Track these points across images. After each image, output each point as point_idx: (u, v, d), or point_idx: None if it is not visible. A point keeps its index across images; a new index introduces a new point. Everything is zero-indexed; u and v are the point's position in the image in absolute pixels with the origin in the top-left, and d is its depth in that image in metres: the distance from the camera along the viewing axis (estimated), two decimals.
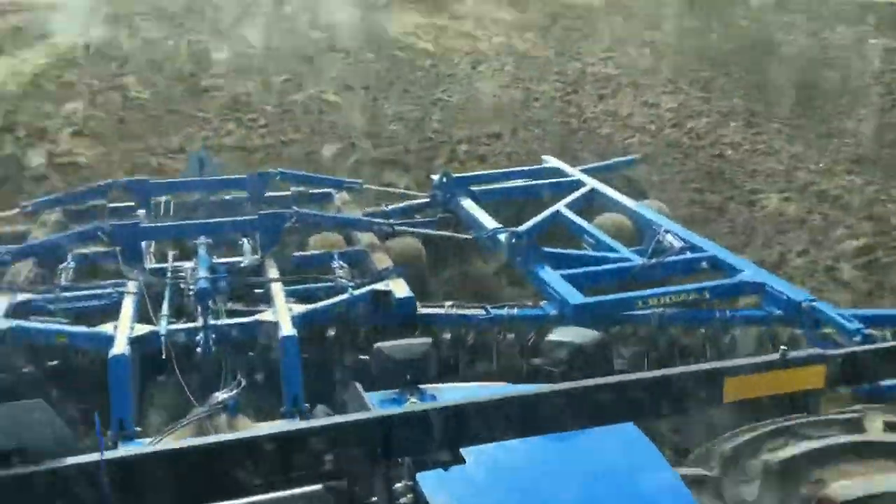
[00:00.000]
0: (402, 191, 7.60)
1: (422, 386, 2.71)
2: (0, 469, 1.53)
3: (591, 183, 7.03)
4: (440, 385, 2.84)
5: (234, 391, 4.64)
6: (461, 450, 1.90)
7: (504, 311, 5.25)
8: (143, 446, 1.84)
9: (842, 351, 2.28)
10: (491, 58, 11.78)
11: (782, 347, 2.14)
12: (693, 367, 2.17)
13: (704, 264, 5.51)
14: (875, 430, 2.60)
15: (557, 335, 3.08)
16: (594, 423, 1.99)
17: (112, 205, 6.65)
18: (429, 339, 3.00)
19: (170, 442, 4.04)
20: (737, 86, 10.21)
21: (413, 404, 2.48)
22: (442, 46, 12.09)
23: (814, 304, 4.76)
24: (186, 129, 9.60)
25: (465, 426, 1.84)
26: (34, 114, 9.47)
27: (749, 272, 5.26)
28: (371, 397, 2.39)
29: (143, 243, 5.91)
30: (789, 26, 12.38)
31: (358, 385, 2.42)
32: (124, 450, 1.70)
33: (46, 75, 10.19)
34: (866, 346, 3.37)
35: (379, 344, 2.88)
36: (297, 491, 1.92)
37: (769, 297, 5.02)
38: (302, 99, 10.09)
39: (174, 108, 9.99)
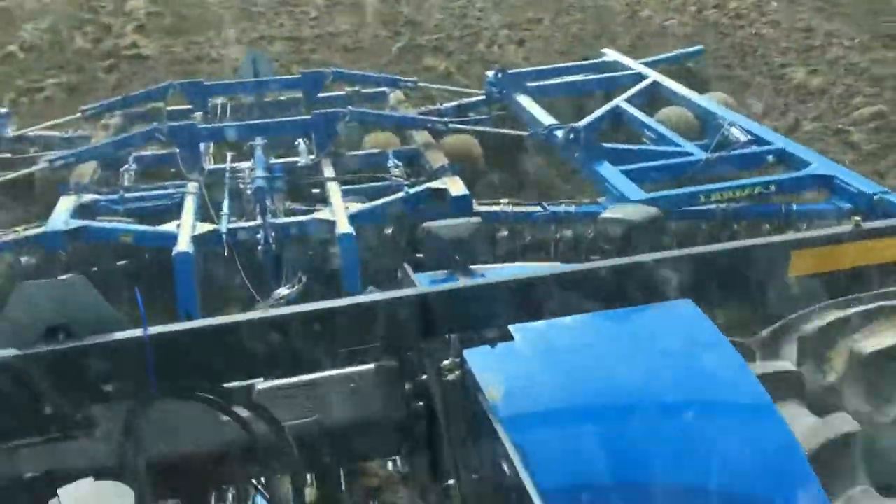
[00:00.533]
0: (456, 88, 7.45)
1: (473, 266, 2.66)
2: (46, 344, 1.55)
3: (653, 75, 6.77)
4: (490, 266, 2.79)
5: (296, 286, 4.75)
6: (510, 327, 1.87)
7: (561, 208, 5.18)
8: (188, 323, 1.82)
9: None
10: None
11: (855, 218, 1.98)
12: (752, 241, 2.05)
13: (771, 157, 5.30)
14: None
15: (611, 212, 2.96)
16: (648, 300, 1.91)
17: (170, 107, 6.69)
18: (478, 218, 2.90)
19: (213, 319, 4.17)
20: None
21: (459, 282, 2.42)
22: None
23: (886, 195, 4.56)
24: (242, 22, 9.81)
25: (512, 303, 1.80)
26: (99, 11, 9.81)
27: (818, 164, 5.05)
28: (421, 278, 2.35)
29: (202, 145, 5.96)
30: None
31: (408, 266, 2.38)
32: (168, 326, 1.69)
33: None
34: None
35: (426, 224, 2.81)
36: (347, 370, 1.93)
37: (839, 190, 4.82)
38: None
39: (229, 4, 10.22)
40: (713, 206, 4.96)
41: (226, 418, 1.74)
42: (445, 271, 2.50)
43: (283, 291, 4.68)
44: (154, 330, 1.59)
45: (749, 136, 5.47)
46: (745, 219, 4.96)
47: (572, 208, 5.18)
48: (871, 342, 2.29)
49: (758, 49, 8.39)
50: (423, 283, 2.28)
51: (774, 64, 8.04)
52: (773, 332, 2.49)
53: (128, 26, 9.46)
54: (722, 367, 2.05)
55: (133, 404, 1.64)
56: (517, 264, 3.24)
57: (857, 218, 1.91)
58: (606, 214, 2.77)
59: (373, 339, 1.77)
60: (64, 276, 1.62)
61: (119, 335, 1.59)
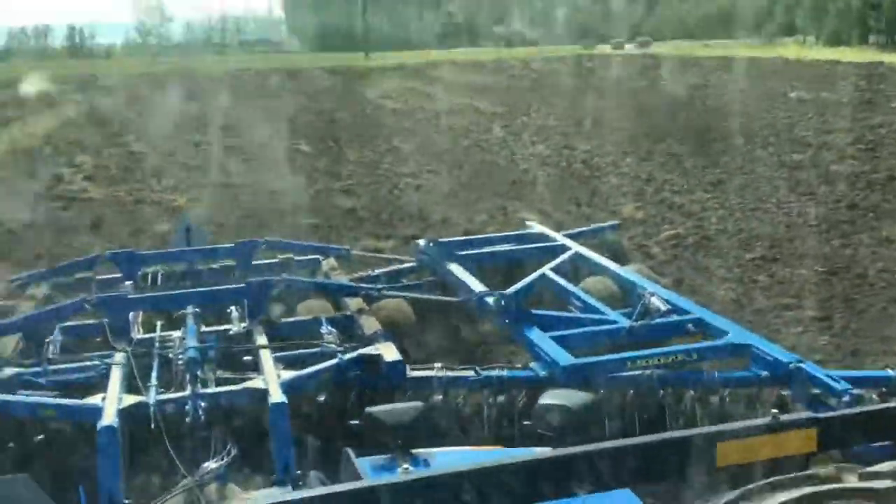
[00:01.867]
0: (389, 256, 7.66)
1: (414, 451, 2.70)
2: None
3: (575, 247, 7.14)
4: (432, 450, 2.83)
5: (224, 460, 4.60)
6: None
7: (494, 373, 5.27)
8: None
9: (833, 414, 2.30)
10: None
11: (773, 411, 2.16)
12: (685, 432, 2.19)
13: (690, 326, 5.58)
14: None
15: (549, 398, 3.08)
16: (590, 489, 2.00)
17: (99, 277, 6.65)
18: (419, 403, 3.00)
19: None
20: (649, 132, 12.28)
21: (405, 471, 2.46)
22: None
23: (801, 365, 4.83)
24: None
25: (460, 493, 1.85)
26: None
27: (734, 333, 5.33)
28: (363, 463, 2.38)
29: (131, 314, 5.89)
30: (723, 83, 14.33)
31: (350, 451, 2.42)
32: None
33: None
34: (857, 409, 3.41)
35: (369, 409, 2.87)
36: None
37: (756, 358, 5.08)
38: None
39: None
40: (639, 371, 5.13)
41: None
42: (388, 456, 2.54)
43: (212, 465, 4.53)
44: None
45: (668, 306, 5.76)
46: (671, 385, 5.13)
47: (505, 373, 5.28)
48: None
49: (604, 192, 10.37)
50: (366, 468, 2.31)
51: (611, 202, 10.01)
52: None
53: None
54: None
55: None
56: (456, 448, 3.28)
57: (775, 411, 2.08)
58: (545, 401, 2.88)
59: None
60: (7, 476, 1.61)
61: None
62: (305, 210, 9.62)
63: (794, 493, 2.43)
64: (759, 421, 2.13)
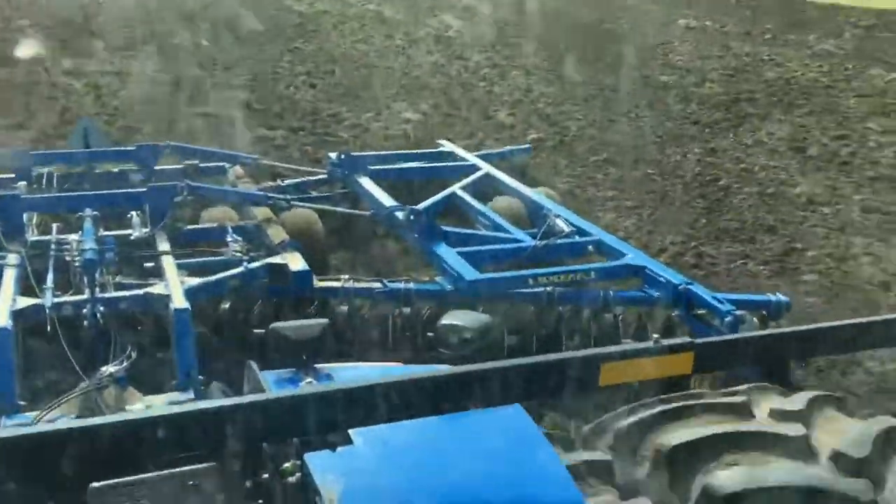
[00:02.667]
0: (297, 167, 7.55)
1: (318, 366, 2.75)
2: None
3: (485, 167, 7.21)
4: (335, 365, 2.89)
5: (124, 364, 4.55)
6: (350, 430, 1.97)
7: (401, 285, 5.35)
8: (26, 425, 1.81)
9: (708, 340, 2.48)
10: None
11: (655, 336, 2.31)
12: (570, 354, 2.33)
13: (591, 247, 5.78)
14: (763, 417, 2.67)
15: (450, 319, 3.18)
16: (480, 405, 2.11)
17: None
18: (325, 320, 3.04)
19: (56, 417, 3.94)
20: (543, 52, 12.60)
21: (308, 385, 2.52)
22: None
23: (690, 287, 5.09)
24: None
25: (355, 408, 1.91)
26: None
27: (631, 255, 5.57)
28: (266, 376, 2.42)
29: (25, 215, 5.65)
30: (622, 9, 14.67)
31: (254, 364, 2.46)
32: (4, 429, 1.68)
33: None
34: (732, 336, 3.65)
35: (274, 324, 2.90)
36: (186, 468, 1.95)
37: (649, 280, 5.33)
38: None
39: None
40: (540, 289, 5.32)
41: None
42: (291, 370, 2.59)
43: (111, 369, 4.48)
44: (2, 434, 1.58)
45: (571, 228, 5.94)
46: (569, 302, 5.34)
47: (411, 285, 5.37)
48: (675, 436, 2.61)
49: (484, 102, 10.79)
50: (269, 381, 2.36)
51: (489, 110, 10.50)
52: (591, 428, 2.76)
53: None
54: (541, 466, 2.26)
55: None
56: (359, 364, 3.35)
57: (656, 336, 2.23)
58: (445, 321, 2.97)
59: (217, 441, 1.83)
60: None
61: None
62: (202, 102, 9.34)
63: (658, 408, 2.66)
64: (641, 344, 2.28)
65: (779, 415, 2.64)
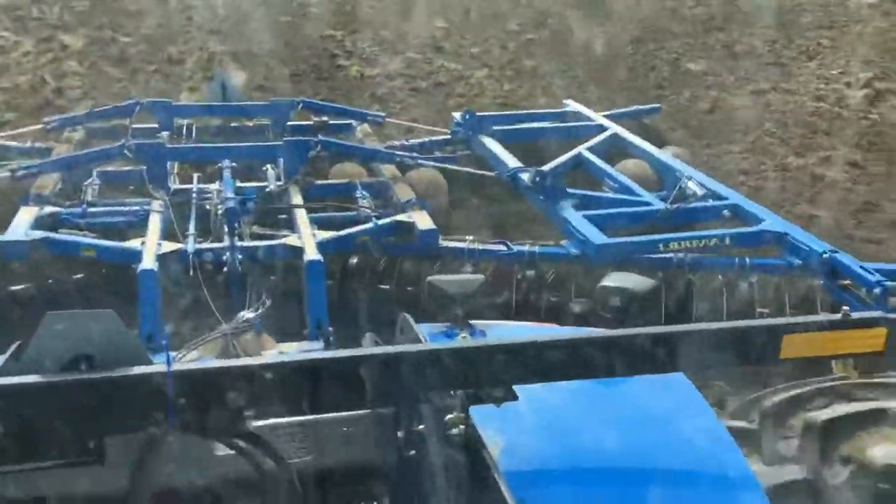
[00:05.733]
0: (423, 126, 7.57)
1: (472, 322, 2.76)
2: (68, 374, 1.57)
3: (613, 128, 7.02)
4: (489, 322, 2.89)
5: (260, 311, 4.73)
6: (515, 387, 1.95)
7: (526, 248, 5.30)
8: (203, 360, 1.88)
9: None
10: None
11: (844, 308, 2.13)
12: (750, 322, 2.18)
13: (726, 212, 5.52)
14: None
15: (612, 280, 3.09)
16: (646, 372, 2.03)
17: (135, 125, 6.63)
18: (481, 276, 3.03)
19: (196, 358, 4.14)
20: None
21: (465, 339, 2.52)
22: None
23: (835, 254, 4.80)
24: None
25: (522, 364, 1.89)
26: None
27: (770, 221, 5.30)
28: (423, 329, 2.44)
29: (168, 164, 5.92)
30: None
31: (408, 316, 2.47)
32: (192, 363, 1.75)
33: None
34: None
35: (431, 277, 2.92)
36: (343, 414, 1.99)
37: (789, 247, 5.05)
38: None
39: None
40: (671, 255, 5.15)
41: (233, 454, 1.77)
42: (446, 324, 2.60)
43: (248, 315, 4.65)
44: (177, 366, 1.63)
45: (705, 191, 5.70)
46: (701, 269, 5.15)
47: (536, 248, 5.31)
48: (823, 413, 2.51)
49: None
50: (425, 334, 2.37)
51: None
52: (742, 403, 2.69)
53: None
54: (708, 439, 2.20)
55: (148, 438, 1.67)
56: (513, 323, 3.34)
57: (846, 308, 2.07)
58: (607, 283, 2.89)
59: (381, 390, 1.84)
60: (92, 311, 1.64)
61: (141, 369, 1.62)
62: None
63: (860, 406, 2.56)
64: (829, 316, 2.11)
65: None
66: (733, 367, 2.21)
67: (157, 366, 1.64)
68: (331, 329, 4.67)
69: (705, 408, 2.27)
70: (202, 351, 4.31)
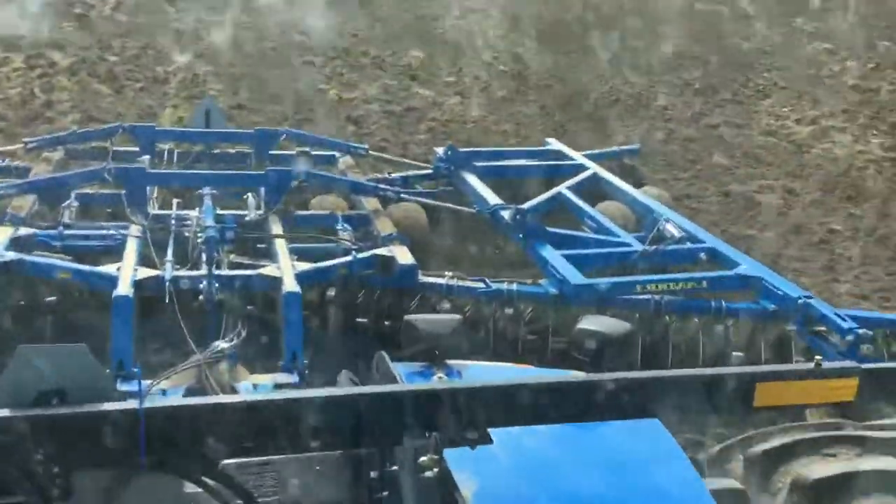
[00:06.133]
0: (404, 160, 7.61)
1: (449, 361, 2.74)
2: (39, 409, 1.55)
3: (593, 167, 7.09)
4: (466, 362, 2.88)
5: (235, 341, 4.68)
6: (490, 430, 1.94)
7: (504, 286, 5.31)
8: (179, 397, 1.86)
9: (879, 365, 2.30)
10: None
11: (817, 357, 2.15)
12: (725, 370, 2.19)
13: (703, 255, 5.58)
14: None
15: (587, 324, 3.10)
16: (621, 416, 2.04)
17: (115, 147, 6.59)
18: (459, 316, 3.02)
19: (169, 387, 4.07)
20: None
21: (441, 380, 2.51)
22: None
23: (809, 300, 4.87)
24: None
25: (496, 407, 1.88)
26: None
27: (747, 265, 5.36)
28: (398, 368, 2.42)
29: (148, 188, 5.88)
30: None
31: (385, 355, 2.45)
32: (164, 399, 1.73)
33: None
34: None
35: (408, 316, 2.91)
36: (315, 454, 1.97)
37: (765, 292, 5.11)
38: None
39: None
40: (648, 296, 5.18)
41: (201, 492, 1.75)
42: (423, 364, 2.59)
43: (223, 345, 4.61)
44: (149, 403, 1.61)
45: (682, 233, 5.76)
46: (677, 311, 5.19)
47: (514, 287, 5.32)
48: (816, 469, 2.45)
49: None
50: (401, 373, 2.36)
51: None
52: (721, 450, 2.65)
53: None
54: (682, 486, 2.18)
55: (118, 474, 1.64)
56: (488, 363, 3.32)
57: (819, 358, 2.09)
58: (582, 325, 2.91)
59: (351, 430, 1.83)
60: (64, 345, 1.62)
61: (113, 405, 1.60)
62: None
63: (789, 438, 2.51)
64: (802, 366, 2.14)
65: None
66: (707, 414, 2.21)
67: (129, 402, 1.61)
68: (305, 362, 4.64)
69: (679, 455, 2.26)
70: (176, 380, 4.28)
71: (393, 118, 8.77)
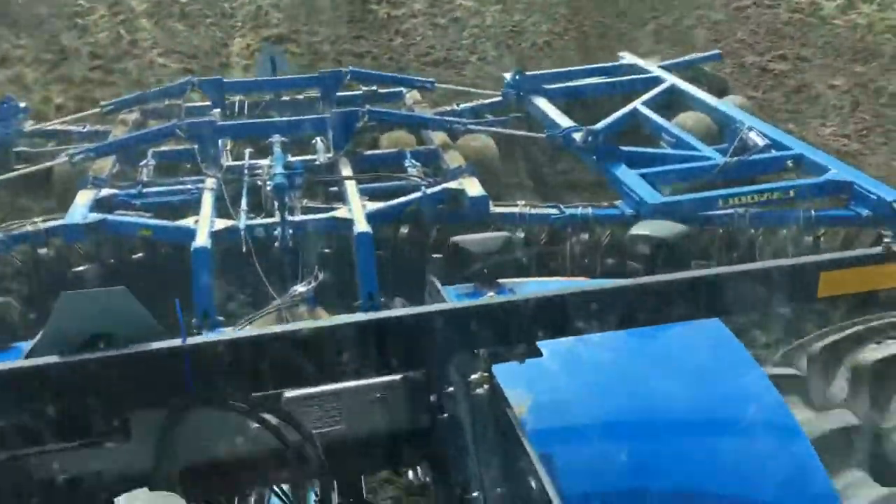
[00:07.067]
0: (473, 90, 7.45)
1: (500, 280, 2.68)
2: (87, 352, 1.57)
3: (671, 79, 6.77)
4: (517, 280, 2.81)
5: (312, 284, 4.76)
6: (538, 343, 1.87)
7: (578, 210, 5.17)
8: (225, 333, 1.86)
9: None
10: None
11: (885, 240, 1.98)
12: (783, 261, 2.06)
13: (790, 163, 5.29)
14: None
15: (640, 228, 2.95)
16: (678, 319, 1.92)
17: (188, 104, 6.71)
18: (506, 233, 2.92)
19: (251, 330, 4.19)
20: None
21: (490, 297, 2.45)
22: None
23: None
24: None
25: (542, 320, 1.81)
26: None
27: (837, 170, 5.03)
28: (448, 291, 2.37)
29: (220, 141, 5.97)
30: None
31: (435, 279, 2.40)
32: (206, 336, 1.72)
33: None
34: None
35: (455, 238, 2.84)
36: (374, 380, 1.95)
37: (858, 196, 4.81)
38: None
39: None
40: (731, 210, 4.95)
41: (257, 426, 1.76)
42: (473, 285, 2.52)
43: (301, 289, 4.68)
44: (192, 340, 1.62)
45: (767, 141, 5.45)
46: (765, 224, 4.94)
47: (589, 210, 5.17)
48: (875, 353, 2.38)
49: None
50: (451, 296, 2.30)
51: None
52: (785, 353, 2.57)
53: None
54: (749, 387, 2.07)
55: (169, 412, 1.67)
56: (543, 279, 3.24)
57: (888, 240, 1.91)
58: (635, 231, 2.77)
59: (403, 352, 1.79)
60: (106, 289, 1.64)
61: (158, 344, 1.61)
62: None
63: (845, 333, 2.42)
64: (867, 250, 1.96)
65: None
66: (770, 309, 2.05)
67: (173, 340, 1.63)
68: (383, 300, 4.67)
69: (743, 354, 2.14)
70: (258, 325, 4.39)
71: (438, 29, 9.04)
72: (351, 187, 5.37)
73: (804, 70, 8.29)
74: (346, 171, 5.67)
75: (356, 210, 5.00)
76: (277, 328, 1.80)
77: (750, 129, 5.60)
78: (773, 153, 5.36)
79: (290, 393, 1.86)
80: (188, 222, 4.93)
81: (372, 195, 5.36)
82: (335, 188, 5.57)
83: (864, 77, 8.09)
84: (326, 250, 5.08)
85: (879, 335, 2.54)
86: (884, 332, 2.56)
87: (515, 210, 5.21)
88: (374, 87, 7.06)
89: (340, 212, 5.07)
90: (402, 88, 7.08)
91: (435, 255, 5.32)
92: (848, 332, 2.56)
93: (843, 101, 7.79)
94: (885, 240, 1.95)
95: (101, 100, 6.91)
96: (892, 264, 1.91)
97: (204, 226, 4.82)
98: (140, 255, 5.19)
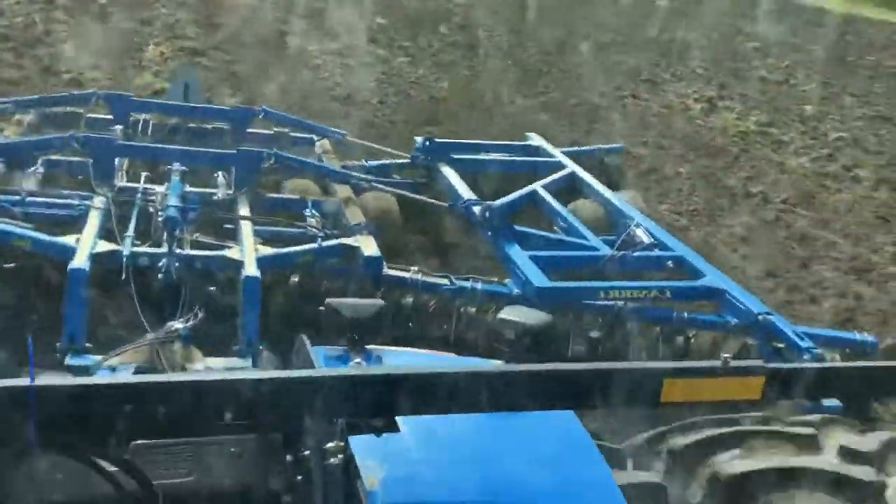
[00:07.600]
0: (383, 148, 7.54)
1: (370, 346, 2.71)
2: None
3: (571, 166, 7.05)
4: (387, 348, 2.85)
5: (191, 322, 4.63)
6: (397, 418, 1.92)
7: (468, 284, 5.27)
8: (74, 378, 1.81)
9: (784, 365, 2.31)
10: None
11: (725, 355, 2.16)
12: (632, 364, 2.19)
13: (670, 263, 5.57)
14: (830, 452, 2.56)
15: (507, 313, 3.05)
16: (532, 408, 2.01)
17: (89, 115, 6.50)
18: (380, 301, 2.98)
19: (118, 365, 4.03)
20: None
21: (356, 366, 2.48)
22: None
23: (769, 317, 4.86)
24: None
25: (403, 395, 1.85)
26: None
27: (712, 277, 5.35)
28: (318, 351, 2.39)
29: (117, 160, 5.80)
30: None
31: (305, 338, 2.42)
32: (55, 378, 1.67)
33: None
34: (809, 364, 3.44)
35: (330, 299, 2.87)
36: (229, 437, 1.93)
37: (727, 305, 5.11)
38: None
39: None
40: (612, 302, 5.16)
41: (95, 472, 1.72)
42: (342, 348, 2.55)
43: (178, 325, 4.55)
44: (40, 381, 1.57)
45: (652, 240, 5.74)
46: (641, 319, 5.17)
47: (479, 285, 5.28)
48: (734, 465, 2.47)
49: None
50: (319, 356, 2.32)
51: None
52: (645, 440, 2.65)
53: None
54: (590, 477, 2.17)
55: (8, 455, 1.60)
56: (413, 350, 3.29)
57: (727, 356, 2.09)
58: (503, 315, 2.88)
59: (260, 413, 1.79)
60: None
61: (4, 383, 1.56)
62: None
63: (708, 433, 2.55)
64: (709, 363, 2.13)
65: (849, 454, 2.50)
66: (615, 407, 2.19)
67: (20, 380, 1.57)
68: (261, 348, 4.59)
69: (590, 448, 2.26)
70: (126, 358, 4.22)
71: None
72: (246, 228, 5.30)
73: (658, 156, 9.62)
74: (244, 210, 5.60)
75: (248, 252, 4.93)
76: (132, 378, 1.78)
77: (638, 225, 5.89)
78: (657, 252, 5.65)
79: (142, 441, 1.83)
80: (69, 240, 4.74)
81: (266, 239, 5.31)
82: (230, 226, 5.49)
83: (708, 169, 9.47)
84: (211, 288, 4.98)
85: (743, 439, 2.60)
86: (749, 436, 2.61)
87: (407, 275, 5.26)
88: (286, 130, 7.04)
89: (232, 252, 4.99)
90: (313, 135, 7.09)
91: (321, 308, 5.29)
92: (711, 433, 2.60)
93: (684, 185, 9.00)
94: (725, 355, 2.13)
95: (7, 81, 6.64)
96: (731, 378, 2.09)
97: (85, 246, 4.65)
98: (10, 265, 4.93)
